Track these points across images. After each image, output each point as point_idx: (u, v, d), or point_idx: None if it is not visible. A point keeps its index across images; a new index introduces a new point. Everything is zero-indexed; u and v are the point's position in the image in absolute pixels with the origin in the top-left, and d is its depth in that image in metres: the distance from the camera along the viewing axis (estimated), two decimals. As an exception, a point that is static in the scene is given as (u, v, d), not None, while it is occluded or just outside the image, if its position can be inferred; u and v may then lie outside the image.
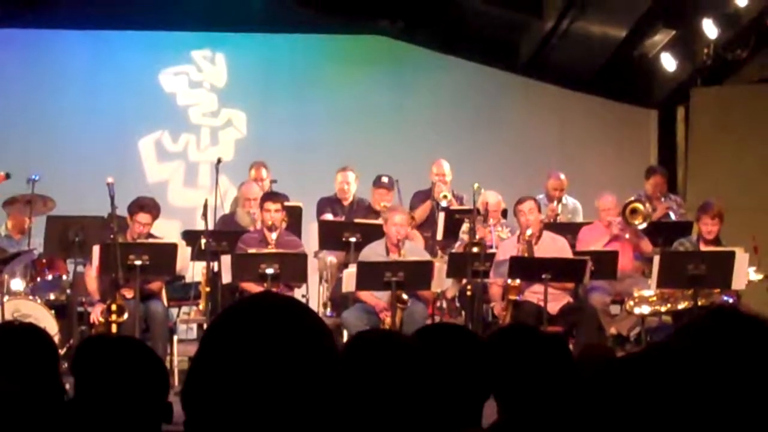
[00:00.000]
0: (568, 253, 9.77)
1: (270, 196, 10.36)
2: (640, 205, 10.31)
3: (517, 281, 9.47)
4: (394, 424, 2.62)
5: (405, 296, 9.41)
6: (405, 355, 2.70)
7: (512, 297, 9.50)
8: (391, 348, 2.73)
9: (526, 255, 9.56)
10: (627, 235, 10.27)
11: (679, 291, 9.60)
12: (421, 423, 2.70)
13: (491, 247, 10.21)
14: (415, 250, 9.90)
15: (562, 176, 11.53)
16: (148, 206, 9.72)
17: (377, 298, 9.62)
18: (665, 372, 1.09)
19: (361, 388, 2.65)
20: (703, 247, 9.86)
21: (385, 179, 11.20)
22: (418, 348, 2.73)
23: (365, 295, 9.65)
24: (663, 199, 11.20)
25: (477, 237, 10.06)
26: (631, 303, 9.69)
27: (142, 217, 9.60)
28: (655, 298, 9.69)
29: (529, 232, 9.65)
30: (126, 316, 9.08)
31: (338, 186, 11.41)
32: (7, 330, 3.31)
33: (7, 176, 10.05)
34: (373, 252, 9.73)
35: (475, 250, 9.80)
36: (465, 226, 10.42)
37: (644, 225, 10.26)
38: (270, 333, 1.61)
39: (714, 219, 9.89)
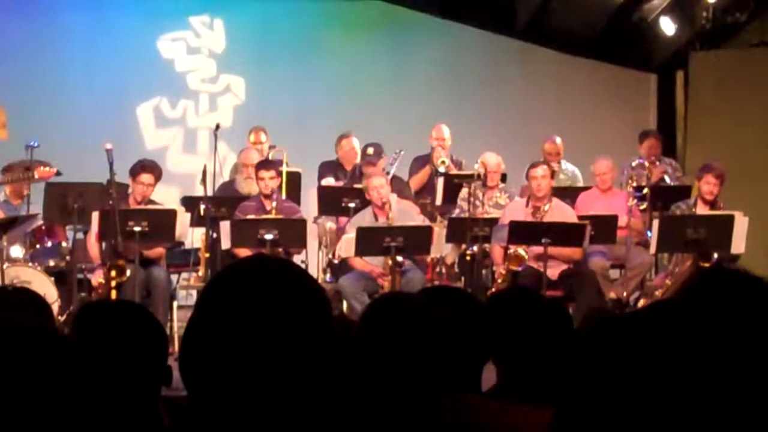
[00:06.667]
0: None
1: (264, 164, 10.28)
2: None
3: (521, 252, 9.44)
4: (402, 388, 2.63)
5: (399, 258, 9.42)
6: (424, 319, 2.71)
7: (513, 267, 9.48)
8: (409, 311, 2.75)
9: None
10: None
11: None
12: (422, 387, 2.71)
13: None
14: (403, 212, 9.89)
15: (558, 140, 11.53)
16: (150, 167, 9.72)
17: (372, 265, 9.63)
18: (663, 330, 1.09)
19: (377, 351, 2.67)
20: (700, 208, 9.88)
21: (370, 150, 11.16)
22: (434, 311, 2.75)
23: (359, 263, 9.65)
24: (658, 163, 11.19)
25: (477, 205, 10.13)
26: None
27: (146, 177, 9.59)
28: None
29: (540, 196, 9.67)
30: (128, 273, 9.07)
31: (344, 151, 11.37)
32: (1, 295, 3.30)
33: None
34: (362, 220, 9.74)
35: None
36: (463, 192, 10.39)
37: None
38: (262, 294, 1.61)
39: (717, 179, 9.90)
